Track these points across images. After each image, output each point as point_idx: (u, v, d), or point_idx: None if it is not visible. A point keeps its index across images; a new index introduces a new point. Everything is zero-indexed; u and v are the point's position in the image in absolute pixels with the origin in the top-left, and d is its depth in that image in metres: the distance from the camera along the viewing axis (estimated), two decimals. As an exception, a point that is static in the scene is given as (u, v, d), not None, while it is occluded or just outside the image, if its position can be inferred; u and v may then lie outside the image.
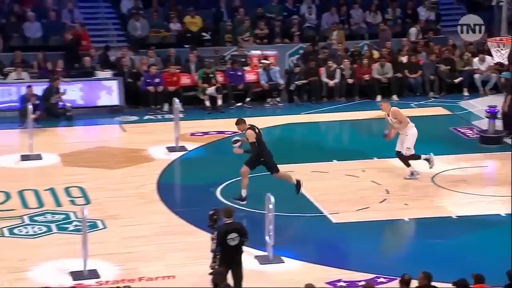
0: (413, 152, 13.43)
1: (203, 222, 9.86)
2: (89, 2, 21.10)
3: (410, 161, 13.56)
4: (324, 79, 19.26)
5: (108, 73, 18.57)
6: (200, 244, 10.79)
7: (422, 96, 19.46)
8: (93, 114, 17.92)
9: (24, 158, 14.66)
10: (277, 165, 12.45)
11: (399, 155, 13.60)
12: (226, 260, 9.16)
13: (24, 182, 13.55)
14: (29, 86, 17.16)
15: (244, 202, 12.22)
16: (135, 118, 17.78)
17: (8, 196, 12.88)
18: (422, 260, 10.59)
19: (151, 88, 18.25)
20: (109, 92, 18.32)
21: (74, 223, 11.86)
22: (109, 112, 18.06)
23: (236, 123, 12.49)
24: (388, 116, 13.58)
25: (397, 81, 19.58)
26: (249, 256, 10.70)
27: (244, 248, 9.43)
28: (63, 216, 12.16)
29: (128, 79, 18.60)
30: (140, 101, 18.54)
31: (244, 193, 12.29)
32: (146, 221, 12.00)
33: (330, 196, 13.03)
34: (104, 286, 10.02)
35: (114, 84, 18.35)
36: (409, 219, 12.27)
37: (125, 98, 18.34)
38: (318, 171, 14.12)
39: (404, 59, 19.96)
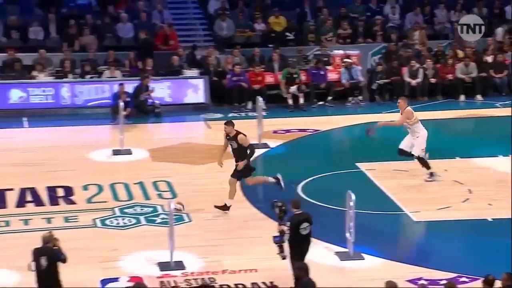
0: (425, 152, 13.06)
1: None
2: (178, 3, 21.50)
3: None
4: (407, 78, 18.97)
5: (194, 72, 18.85)
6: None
7: (508, 96, 18.88)
8: (180, 111, 18.24)
9: (116, 152, 15.05)
10: (240, 178, 12.08)
11: (403, 152, 13.20)
12: (297, 249, 9.27)
13: (115, 175, 13.90)
14: (121, 84, 17.62)
15: (227, 211, 11.95)
16: (219, 115, 17.97)
17: (100, 188, 13.25)
18: (506, 261, 10.28)
19: (236, 86, 18.45)
20: (195, 90, 18.60)
21: (162, 216, 12.08)
22: (195, 110, 18.33)
23: (226, 123, 12.13)
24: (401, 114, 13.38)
25: (481, 80, 19.08)
26: (329, 252, 10.69)
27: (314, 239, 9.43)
28: (151, 209, 12.40)
29: (213, 77, 18.85)
30: (224, 99, 18.75)
31: (229, 202, 12.05)
32: (229, 215, 12.12)
33: (411, 195, 12.82)
34: (189, 278, 10.16)
35: (200, 82, 18.60)
36: (492, 219, 11.94)
37: (210, 96, 18.57)
38: (399, 169, 13.92)
39: (490, 58, 19.43)
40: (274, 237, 9.46)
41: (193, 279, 10.13)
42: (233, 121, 12.31)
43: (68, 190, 13.10)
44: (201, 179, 13.75)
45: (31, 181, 13.36)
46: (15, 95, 17.84)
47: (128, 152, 15.04)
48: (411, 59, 19.11)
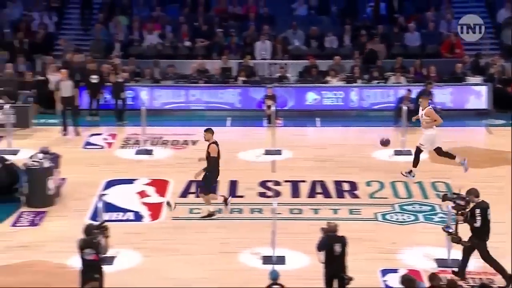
0: (425, 149, 13.23)
1: None
2: (466, 13, 20.74)
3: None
4: None
5: (478, 79, 18.21)
6: None
7: None
8: (461, 116, 17.67)
9: (397, 153, 15.08)
10: (211, 190, 11.65)
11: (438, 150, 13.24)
12: (484, 233, 9.53)
13: (396, 174, 13.93)
14: (408, 90, 17.56)
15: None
16: (501, 121, 17.13)
17: (382, 185, 13.39)
18: None
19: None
20: (477, 97, 18.00)
21: (439, 215, 11.87)
22: (477, 115, 17.68)
23: (205, 130, 11.63)
24: (422, 110, 13.30)
25: None
26: None
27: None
28: (429, 207, 12.25)
29: (497, 84, 18.00)
30: (508, 105, 17.80)
31: (211, 208, 11.65)
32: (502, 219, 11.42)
33: None
34: (467, 276, 9.84)
35: (483, 89, 17.99)
36: None
37: (493, 102, 17.74)
38: None
39: None
40: (447, 227, 9.57)
41: (471, 278, 9.79)
42: (211, 128, 11.77)
43: (353, 185, 13.42)
44: (479, 183, 13.03)
45: (321, 175, 13.94)
46: (311, 97, 18.77)
47: (408, 153, 14.94)
48: None
